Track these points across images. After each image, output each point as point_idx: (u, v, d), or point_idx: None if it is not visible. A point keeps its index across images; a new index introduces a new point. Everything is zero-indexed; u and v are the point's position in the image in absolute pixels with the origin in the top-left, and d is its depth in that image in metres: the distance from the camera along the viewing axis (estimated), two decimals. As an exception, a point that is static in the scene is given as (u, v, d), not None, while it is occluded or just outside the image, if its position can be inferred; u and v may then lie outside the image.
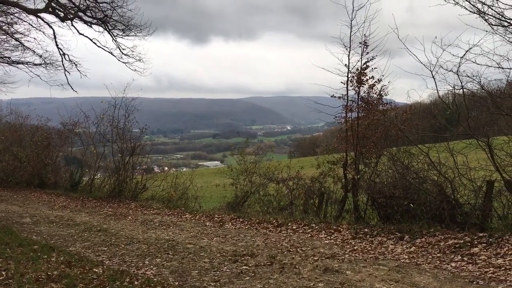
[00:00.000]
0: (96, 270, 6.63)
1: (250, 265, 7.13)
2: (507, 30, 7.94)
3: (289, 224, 10.07)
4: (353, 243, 8.34)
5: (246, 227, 10.38)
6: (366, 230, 8.89)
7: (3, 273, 6.08)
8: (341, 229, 9.18)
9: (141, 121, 17.45)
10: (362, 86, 10.71)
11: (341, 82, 10.85)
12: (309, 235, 9.21)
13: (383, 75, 10.56)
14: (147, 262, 7.58)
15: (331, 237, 8.86)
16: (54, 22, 16.90)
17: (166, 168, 26.08)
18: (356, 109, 10.91)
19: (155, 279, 6.44)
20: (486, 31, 8.06)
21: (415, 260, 7.00)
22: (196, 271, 6.92)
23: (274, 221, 10.45)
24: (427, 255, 7.18)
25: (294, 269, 6.77)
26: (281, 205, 12.04)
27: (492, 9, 7.93)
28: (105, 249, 8.75)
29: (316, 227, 9.56)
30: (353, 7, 10.42)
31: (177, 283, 6.31)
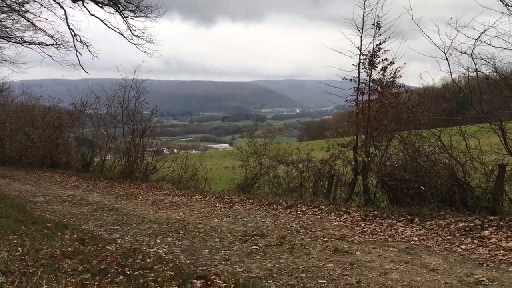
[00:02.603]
0: (109, 248, 6.74)
1: (260, 245, 7.20)
2: (524, 11, 7.79)
3: (299, 206, 10.12)
4: (362, 225, 8.38)
5: (256, 208, 10.45)
6: (376, 212, 8.91)
7: (19, 249, 6.20)
8: (351, 211, 9.21)
9: (151, 103, 17.53)
10: (374, 69, 10.63)
11: (353, 65, 10.77)
12: (319, 216, 9.26)
13: (395, 58, 10.46)
14: (159, 241, 7.69)
15: (341, 219, 8.90)
16: (65, 2, 16.92)
17: (175, 150, 26.22)
18: (368, 92, 10.84)
19: (166, 257, 6.53)
20: (502, 12, 7.92)
21: (425, 242, 7.02)
22: (207, 250, 7.01)
23: (284, 202, 10.51)
24: (437, 237, 7.20)
25: (304, 250, 6.83)
26: (290, 187, 12.09)
27: (509, -11, 7.78)
28: (117, 227, 8.88)
29: (326, 209, 9.60)
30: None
31: (188, 261, 6.40)
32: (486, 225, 7.23)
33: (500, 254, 6.11)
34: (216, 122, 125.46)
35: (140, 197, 12.49)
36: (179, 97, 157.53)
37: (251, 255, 6.65)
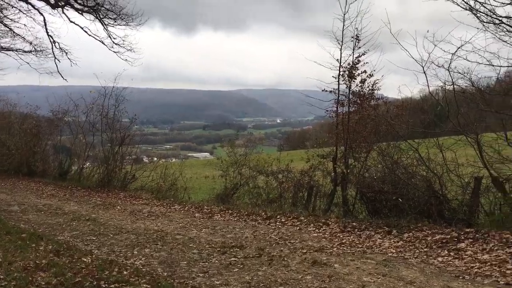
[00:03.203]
0: (85, 259, 6.61)
1: (239, 256, 7.15)
2: (498, 27, 7.99)
3: (278, 216, 10.11)
4: (341, 236, 8.40)
5: (235, 219, 10.40)
6: (354, 224, 8.95)
7: (-9, 261, 6.04)
8: (330, 223, 9.24)
9: (131, 111, 17.39)
10: (354, 81, 10.75)
11: (333, 76, 10.88)
12: (298, 228, 9.26)
13: (374, 70, 10.61)
14: (136, 252, 7.57)
15: (320, 230, 8.92)
16: (44, 9, 16.71)
17: (155, 159, 25.97)
18: (347, 104, 10.95)
19: (144, 269, 6.44)
20: (478, 28, 8.12)
21: (403, 254, 7.08)
22: (185, 262, 6.93)
23: (263, 213, 10.49)
24: (414, 249, 7.26)
25: (282, 262, 6.81)
26: (270, 198, 12.08)
27: (484, 6, 7.98)
28: (94, 238, 8.72)
29: (305, 220, 9.61)
30: (346, 1, 10.42)
31: (166, 273, 6.31)
32: (462, 237, 7.33)
33: (475, 267, 6.18)
34: (197, 130, 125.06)
35: (118, 207, 12.31)
36: (160, 105, 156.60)
37: (229, 267, 6.60)
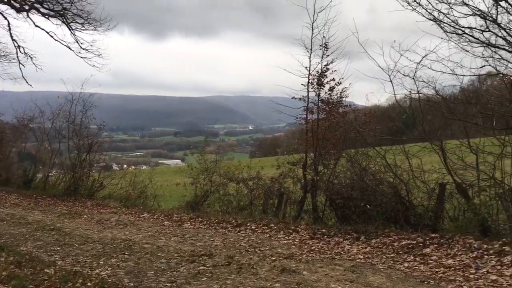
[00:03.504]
0: (48, 271, 6.43)
1: (207, 265, 7.08)
2: (461, 38, 8.22)
3: (248, 224, 10.07)
4: (310, 243, 8.43)
5: (205, 227, 10.32)
6: (323, 230, 9.00)
7: None
8: (300, 230, 9.26)
9: (100, 117, 17.10)
10: (322, 88, 10.86)
11: (302, 84, 10.96)
12: (268, 235, 9.25)
13: (342, 78, 10.75)
14: (102, 263, 7.41)
15: (290, 237, 8.93)
16: (8, 12, 16.29)
17: (125, 166, 25.58)
18: (316, 111, 11.05)
19: (109, 280, 6.30)
20: (442, 38, 8.34)
21: (370, 260, 7.15)
22: (153, 272, 6.81)
23: (233, 221, 10.43)
24: (382, 255, 7.35)
25: (251, 270, 6.77)
26: (240, 205, 12.03)
27: (447, 17, 8.20)
28: (58, 249, 8.49)
29: (275, 227, 9.61)
30: (315, 9, 10.53)
31: (132, 284, 6.20)
32: (428, 243, 7.46)
33: (440, 272, 6.30)
34: (168, 137, 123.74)
35: (85, 216, 12.04)
36: (130, 112, 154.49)
37: (197, 276, 6.53)
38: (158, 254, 7.89)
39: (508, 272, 5.98)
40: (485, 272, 6.08)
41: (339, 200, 9.78)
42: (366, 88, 10.75)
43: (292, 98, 11.03)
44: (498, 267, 6.20)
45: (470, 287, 5.64)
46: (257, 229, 9.69)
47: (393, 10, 8.71)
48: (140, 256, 7.78)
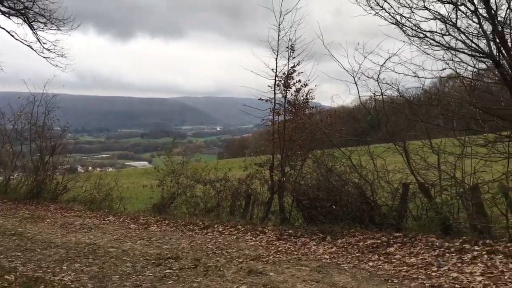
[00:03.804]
0: (8, 277, 6.24)
1: (174, 268, 7.01)
2: (422, 41, 8.43)
3: (216, 226, 10.04)
4: (277, 244, 8.47)
5: (172, 230, 10.22)
6: (290, 231, 9.06)
7: None
8: (267, 231, 9.29)
9: (64, 119, 16.70)
10: (289, 90, 10.94)
11: (268, 86, 11.02)
12: (235, 237, 9.24)
13: (309, 79, 10.86)
14: (65, 268, 7.22)
15: (257, 239, 8.95)
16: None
17: (90, 168, 25.05)
18: (283, 112, 11.11)
19: (72, 286, 6.16)
20: (404, 41, 8.54)
21: (336, 260, 7.24)
22: (117, 276, 6.70)
23: (201, 223, 10.37)
24: (347, 255, 7.46)
25: (218, 272, 6.75)
26: (208, 207, 11.97)
27: (409, 21, 8.40)
28: (19, 254, 8.23)
29: (242, 229, 9.61)
30: (281, 11, 10.60)
31: (96, 289, 6.07)
32: (392, 242, 7.62)
33: (403, 270, 6.44)
34: (135, 139, 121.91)
35: (48, 220, 11.72)
36: (96, 113, 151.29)
37: (163, 280, 6.46)
38: (124, 258, 7.76)
39: (468, 269, 6.16)
40: (447, 270, 6.25)
41: (305, 201, 9.87)
42: (332, 90, 10.94)
43: (259, 99, 11.07)
44: (459, 265, 6.38)
45: (432, 285, 5.78)
46: (224, 231, 9.67)
47: (358, 15, 8.87)
48: (104, 260, 7.63)
